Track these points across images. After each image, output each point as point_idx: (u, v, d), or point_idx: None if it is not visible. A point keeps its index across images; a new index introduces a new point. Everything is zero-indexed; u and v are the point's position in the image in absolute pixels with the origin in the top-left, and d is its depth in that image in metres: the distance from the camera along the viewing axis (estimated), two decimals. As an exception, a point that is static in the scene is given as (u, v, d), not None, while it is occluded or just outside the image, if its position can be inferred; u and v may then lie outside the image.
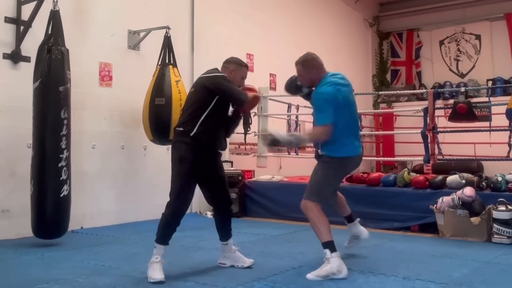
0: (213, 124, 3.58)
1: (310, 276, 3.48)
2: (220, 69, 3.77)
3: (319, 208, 3.66)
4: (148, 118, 5.62)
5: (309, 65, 3.81)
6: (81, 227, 5.46)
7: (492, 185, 5.32)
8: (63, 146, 4.48)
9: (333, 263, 3.47)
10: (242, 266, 3.77)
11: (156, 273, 3.38)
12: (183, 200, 3.55)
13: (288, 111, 7.92)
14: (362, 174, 6.31)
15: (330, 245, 3.53)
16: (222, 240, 3.84)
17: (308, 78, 3.84)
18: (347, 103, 3.73)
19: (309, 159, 7.65)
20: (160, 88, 5.58)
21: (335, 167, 3.79)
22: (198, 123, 3.51)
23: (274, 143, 3.65)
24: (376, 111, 11.59)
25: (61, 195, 4.46)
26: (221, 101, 3.58)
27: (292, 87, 4.01)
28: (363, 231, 4.25)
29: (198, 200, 6.45)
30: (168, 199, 3.52)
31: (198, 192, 3.69)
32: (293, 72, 3.96)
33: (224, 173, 3.84)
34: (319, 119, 3.70)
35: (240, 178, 6.79)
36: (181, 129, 3.57)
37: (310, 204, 3.66)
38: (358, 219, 4.26)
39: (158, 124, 5.56)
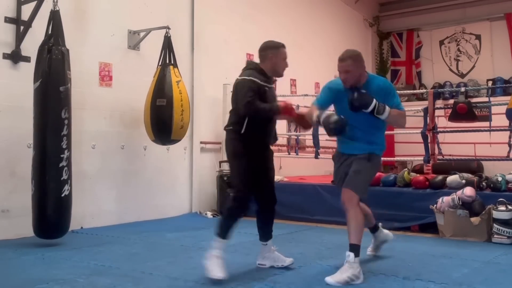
0: (260, 121, 3.60)
1: (330, 280, 3.34)
2: (259, 59, 3.71)
3: (360, 207, 3.57)
4: (149, 119, 5.62)
5: (359, 59, 3.59)
6: (81, 227, 5.46)
7: (492, 185, 5.32)
8: (64, 146, 4.47)
9: (355, 269, 3.37)
10: (282, 265, 3.71)
11: (217, 269, 3.32)
12: (248, 192, 3.55)
13: (288, 111, 7.90)
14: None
15: (356, 249, 3.42)
16: (262, 240, 3.75)
17: (356, 74, 3.56)
18: None
19: (309, 159, 7.72)
20: (161, 89, 5.59)
21: (379, 164, 3.84)
22: (245, 123, 3.54)
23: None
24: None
25: (62, 195, 4.46)
26: (260, 98, 3.53)
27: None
28: (388, 234, 4.20)
29: (198, 200, 6.42)
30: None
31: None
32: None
33: (273, 168, 3.79)
34: (399, 103, 3.63)
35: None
36: (231, 128, 3.64)
37: (357, 199, 3.54)
38: (381, 224, 4.21)
39: (160, 124, 5.57)
